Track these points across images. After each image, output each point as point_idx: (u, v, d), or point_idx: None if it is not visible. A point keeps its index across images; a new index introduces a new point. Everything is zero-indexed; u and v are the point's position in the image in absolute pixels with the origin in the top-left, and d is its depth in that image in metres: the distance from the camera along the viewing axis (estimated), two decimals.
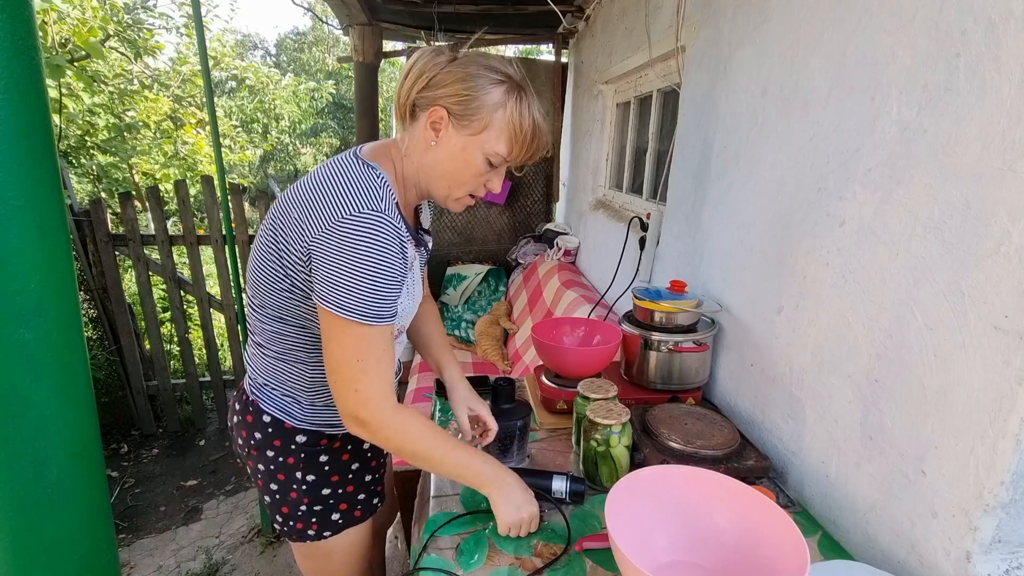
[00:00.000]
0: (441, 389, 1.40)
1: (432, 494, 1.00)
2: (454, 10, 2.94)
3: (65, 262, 1.18)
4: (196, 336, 3.41)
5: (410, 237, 0.86)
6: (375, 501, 1.06)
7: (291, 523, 0.98)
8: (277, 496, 0.97)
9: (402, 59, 3.56)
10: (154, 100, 4.89)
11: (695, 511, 0.79)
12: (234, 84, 7.95)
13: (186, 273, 2.77)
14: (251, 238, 2.72)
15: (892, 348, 0.82)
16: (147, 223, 4.04)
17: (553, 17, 2.90)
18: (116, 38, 4.72)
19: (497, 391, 1.07)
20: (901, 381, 0.80)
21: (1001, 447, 0.65)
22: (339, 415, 0.90)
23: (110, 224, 2.59)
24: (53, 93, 3.25)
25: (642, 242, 1.74)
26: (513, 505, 0.86)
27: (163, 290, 3.41)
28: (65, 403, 1.18)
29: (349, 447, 1.00)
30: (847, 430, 0.91)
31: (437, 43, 0.86)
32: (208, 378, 2.91)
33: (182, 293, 2.78)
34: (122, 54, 4.89)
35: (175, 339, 3.12)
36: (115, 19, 4.50)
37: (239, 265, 2.28)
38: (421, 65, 0.81)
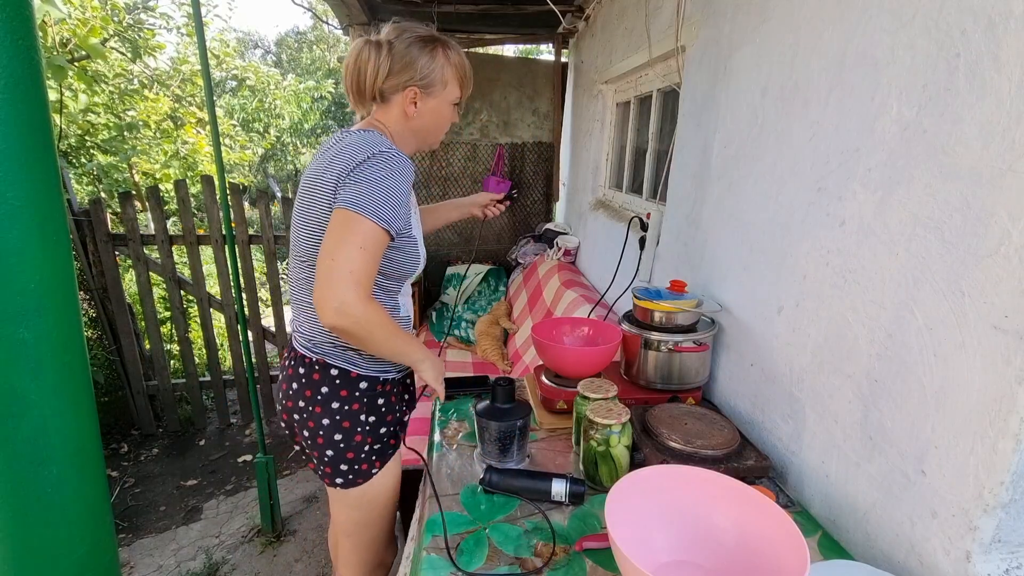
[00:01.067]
0: None
1: (432, 494, 1.00)
2: (454, 10, 2.93)
3: (65, 262, 1.18)
4: (196, 336, 3.41)
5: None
6: (403, 434, 1.21)
7: (356, 467, 1.10)
8: (342, 445, 1.08)
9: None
10: (154, 100, 4.89)
11: (695, 511, 0.79)
12: (234, 84, 7.94)
13: (186, 273, 2.77)
14: (251, 238, 2.72)
15: (892, 348, 0.82)
16: (147, 223, 4.04)
17: (553, 17, 2.90)
18: (116, 38, 4.71)
19: (497, 391, 1.07)
20: (901, 381, 0.80)
21: (1001, 447, 0.65)
22: (391, 362, 1.11)
23: (110, 224, 2.59)
24: (53, 94, 3.25)
25: (642, 242, 1.74)
26: (436, 372, 1.10)
27: (163, 290, 3.41)
28: (65, 403, 1.18)
29: (395, 389, 1.15)
30: (847, 430, 0.91)
31: (367, 36, 1.04)
32: (208, 378, 2.91)
33: (182, 293, 2.78)
34: (122, 54, 4.89)
35: (175, 339, 3.11)
36: (115, 19, 4.50)
37: (239, 265, 2.28)
38: (376, 63, 1.01)
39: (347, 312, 0.89)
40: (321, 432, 1.07)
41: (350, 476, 1.10)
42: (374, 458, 1.11)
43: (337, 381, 1.07)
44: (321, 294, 0.89)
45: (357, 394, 1.08)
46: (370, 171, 0.93)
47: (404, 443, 1.20)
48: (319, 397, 1.07)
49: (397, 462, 1.19)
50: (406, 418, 1.22)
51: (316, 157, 1.05)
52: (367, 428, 1.09)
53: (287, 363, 1.13)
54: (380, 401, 1.11)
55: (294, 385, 1.10)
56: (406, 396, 1.22)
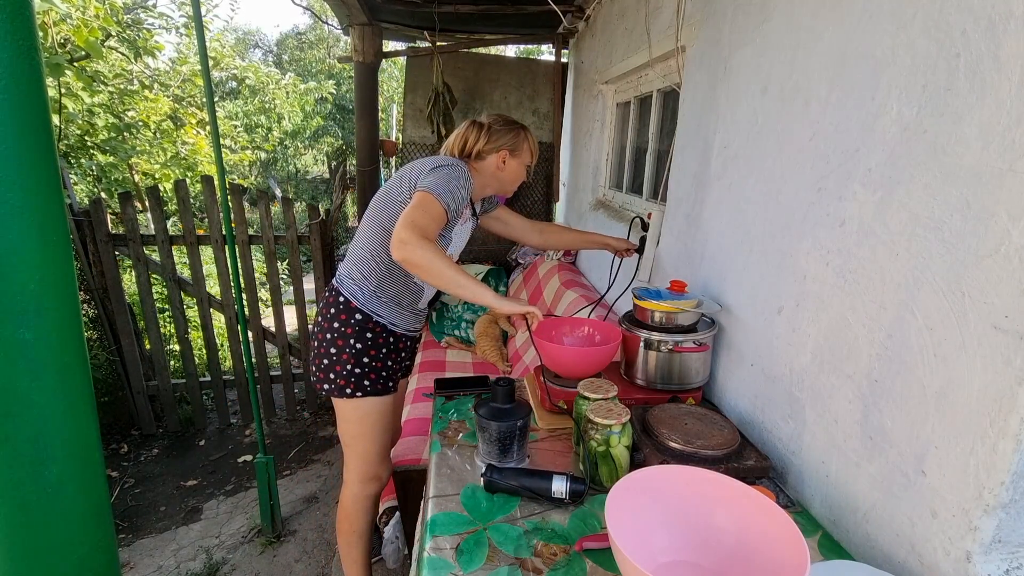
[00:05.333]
0: (441, 389, 1.41)
1: (432, 494, 1.00)
2: (454, 10, 2.93)
3: (65, 262, 1.18)
4: (196, 336, 3.40)
5: (468, 202, 1.43)
6: (390, 384, 1.47)
7: (338, 381, 1.39)
8: (334, 358, 1.38)
9: (402, 59, 3.55)
10: (154, 100, 4.88)
11: (695, 511, 0.79)
12: (234, 85, 7.92)
13: (186, 273, 2.77)
14: (251, 238, 2.73)
15: (892, 348, 0.82)
16: (147, 223, 4.04)
17: (553, 17, 2.90)
18: (116, 38, 4.70)
19: (497, 391, 1.07)
20: (901, 381, 0.80)
21: (1001, 447, 0.65)
22: (385, 311, 1.40)
23: (110, 224, 2.59)
24: (53, 93, 3.24)
25: (642, 242, 1.74)
26: (509, 302, 1.21)
27: (163, 290, 3.41)
28: (65, 403, 1.18)
29: (383, 335, 1.42)
30: (847, 430, 0.91)
31: (473, 118, 1.49)
32: (208, 378, 2.91)
33: (182, 293, 2.78)
34: (122, 54, 4.88)
35: (175, 339, 3.11)
36: (115, 19, 4.49)
37: (239, 265, 2.28)
38: (478, 135, 1.43)
39: (405, 242, 1.14)
40: (324, 344, 1.39)
41: (333, 387, 1.40)
42: (352, 380, 1.38)
43: (342, 307, 1.38)
44: (393, 237, 1.17)
45: (352, 322, 1.38)
46: (447, 172, 1.30)
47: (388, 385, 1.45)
48: (328, 315, 1.39)
49: (383, 400, 1.44)
50: (389, 362, 1.44)
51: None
52: (353, 352, 1.38)
53: (325, 292, 1.46)
54: (368, 335, 1.39)
55: (321, 303, 1.45)
56: (392, 343, 1.45)
